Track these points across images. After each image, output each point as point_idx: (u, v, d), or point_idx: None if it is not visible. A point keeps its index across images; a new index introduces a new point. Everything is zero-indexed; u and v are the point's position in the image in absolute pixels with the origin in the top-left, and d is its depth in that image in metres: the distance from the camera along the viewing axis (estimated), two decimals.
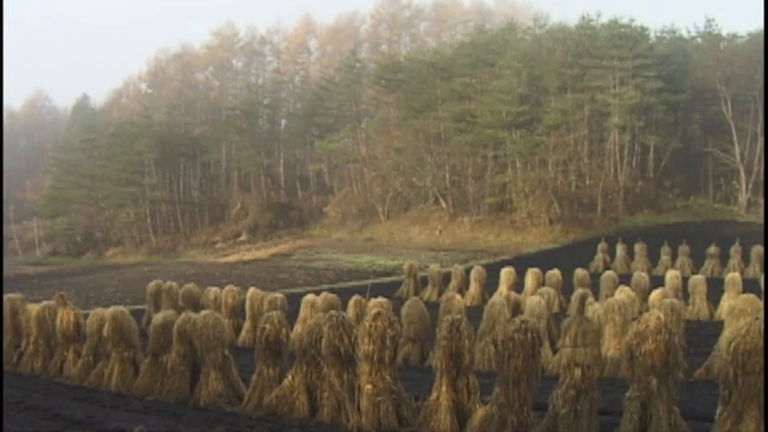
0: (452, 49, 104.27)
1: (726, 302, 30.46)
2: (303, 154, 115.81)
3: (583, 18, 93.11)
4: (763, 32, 79.53)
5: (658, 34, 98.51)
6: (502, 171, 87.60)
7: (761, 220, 76.13)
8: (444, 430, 14.39)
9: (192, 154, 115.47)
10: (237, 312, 31.96)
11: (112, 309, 20.87)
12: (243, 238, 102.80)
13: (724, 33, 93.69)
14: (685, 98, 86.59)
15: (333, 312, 16.09)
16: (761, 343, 12.18)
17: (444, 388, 14.65)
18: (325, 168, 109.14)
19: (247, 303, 30.36)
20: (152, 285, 36.53)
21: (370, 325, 15.11)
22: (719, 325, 24.15)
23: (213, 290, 33.28)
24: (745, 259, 48.02)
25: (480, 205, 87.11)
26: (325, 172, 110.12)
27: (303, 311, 27.70)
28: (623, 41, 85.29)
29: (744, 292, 26.19)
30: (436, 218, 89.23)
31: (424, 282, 45.76)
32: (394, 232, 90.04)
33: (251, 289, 31.20)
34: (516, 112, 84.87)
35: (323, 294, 28.71)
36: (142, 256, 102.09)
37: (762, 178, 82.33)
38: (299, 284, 57.11)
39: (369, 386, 15.03)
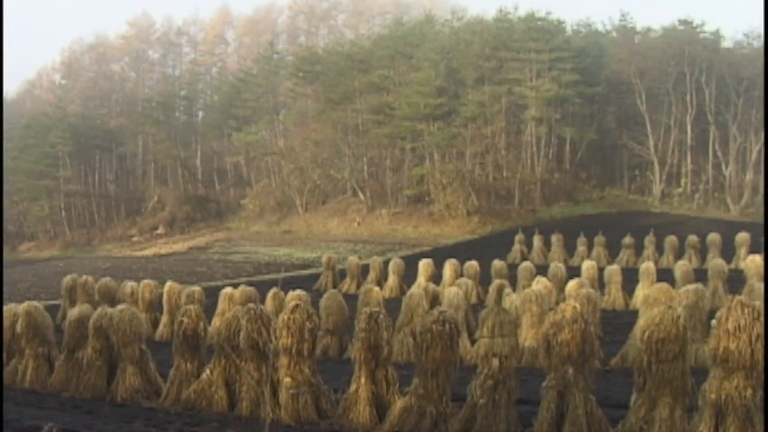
0: (370, 41, 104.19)
1: (641, 292, 30.93)
2: (220, 147, 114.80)
3: (501, 11, 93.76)
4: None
5: (574, 28, 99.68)
6: (420, 163, 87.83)
7: (675, 211, 77.73)
8: (363, 422, 14.42)
9: (107, 147, 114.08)
10: (154, 306, 31.63)
11: (25, 304, 20.54)
12: (160, 231, 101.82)
13: (638, 27, 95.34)
14: (600, 91, 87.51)
15: (251, 305, 16.09)
16: (674, 331, 12.38)
17: (363, 380, 14.69)
18: (242, 160, 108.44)
19: (165, 297, 30.10)
20: (67, 279, 36.08)
21: (289, 318, 15.10)
22: (634, 314, 24.49)
23: (130, 284, 32.91)
24: (660, 248, 48.84)
25: (398, 197, 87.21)
26: (243, 165, 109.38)
27: (221, 305, 27.62)
28: (540, 34, 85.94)
29: (658, 281, 26.60)
30: (355, 210, 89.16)
31: (342, 274, 45.74)
32: (312, 224, 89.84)
33: (168, 283, 30.95)
34: (434, 104, 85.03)
35: (241, 287, 28.64)
36: (57, 251, 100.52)
37: (676, 169, 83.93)
38: (217, 277, 56.70)
39: (288, 379, 15.02)
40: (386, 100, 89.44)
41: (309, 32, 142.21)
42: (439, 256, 45.23)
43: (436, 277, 37.67)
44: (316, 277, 47.55)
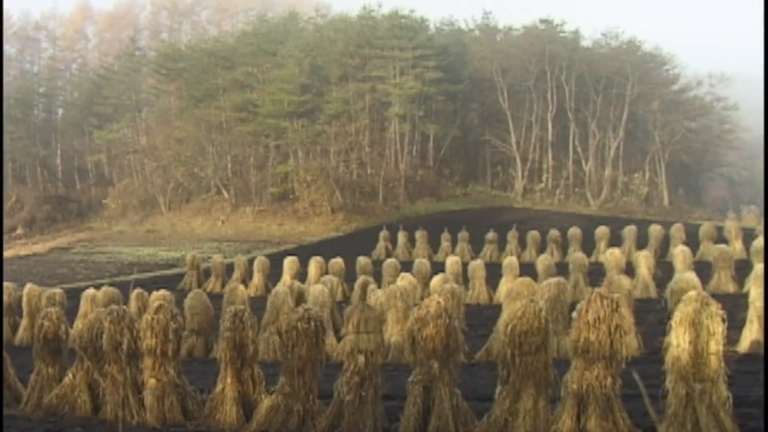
0: (234, 38, 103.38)
1: (504, 286, 31.27)
2: (81, 145, 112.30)
3: (364, 8, 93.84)
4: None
5: (438, 26, 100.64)
6: (284, 161, 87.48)
7: (536, 206, 79.28)
8: (230, 421, 14.34)
9: None
10: (14, 310, 30.79)
11: None
12: (19, 232, 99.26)
13: (500, 26, 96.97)
14: (463, 88, 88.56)
15: (114, 306, 15.82)
16: (536, 324, 12.58)
17: (229, 380, 14.60)
18: (104, 159, 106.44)
19: (24, 300, 29.28)
20: None
21: (152, 319, 14.90)
22: (498, 308, 24.79)
23: None
24: (522, 243, 49.56)
25: (262, 195, 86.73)
26: (105, 163, 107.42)
27: (83, 306, 27.05)
28: (403, 32, 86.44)
29: (521, 275, 26.98)
30: (219, 209, 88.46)
31: (207, 273, 45.28)
32: (176, 223, 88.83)
33: (28, 286, 30.13)
34: (298, 102, 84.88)
35: (104, 288, 28.10)
36: None
37: (537, 165, 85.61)
38: (79, 279, 55.46)
39: (153, 381, 14.83)
40: (250, 97, 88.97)
41: (172, 28, 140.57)
42: (304, 253, 45.16)
43: (302, 275, 37.64)
44: (181, 276, 46.99)
